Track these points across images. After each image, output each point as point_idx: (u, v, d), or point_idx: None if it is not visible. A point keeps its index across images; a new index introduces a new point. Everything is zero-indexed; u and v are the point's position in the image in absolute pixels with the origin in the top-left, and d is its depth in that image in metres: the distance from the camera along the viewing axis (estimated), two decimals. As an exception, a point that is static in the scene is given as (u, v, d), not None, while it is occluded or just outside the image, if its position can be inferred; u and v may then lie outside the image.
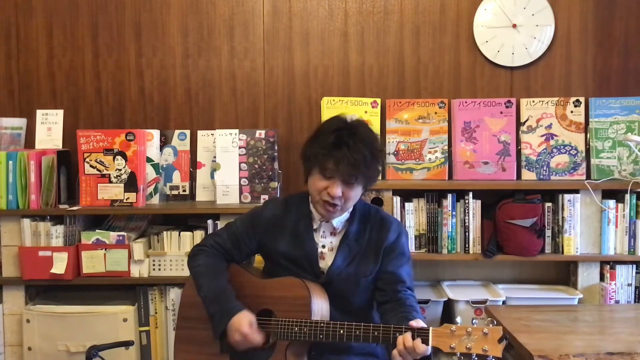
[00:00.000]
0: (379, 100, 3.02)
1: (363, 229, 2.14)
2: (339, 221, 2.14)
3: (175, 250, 2.84)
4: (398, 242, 2.14)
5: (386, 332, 1.88)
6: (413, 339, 1.80)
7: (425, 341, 1.79)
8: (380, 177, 2.16)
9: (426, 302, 2.76)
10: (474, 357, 1.74)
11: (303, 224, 2.16)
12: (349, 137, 1.99)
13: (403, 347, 1.81)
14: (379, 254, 2.12)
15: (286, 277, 2.10)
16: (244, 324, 2.00)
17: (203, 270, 2.16)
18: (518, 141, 2.99)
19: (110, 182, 2.85)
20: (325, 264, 2.15)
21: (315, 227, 2.16)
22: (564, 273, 2.98)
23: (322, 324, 1.98)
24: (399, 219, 2.81)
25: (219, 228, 2.73)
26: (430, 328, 1.81)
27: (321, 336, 1.97)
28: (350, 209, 2.15)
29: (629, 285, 2.81)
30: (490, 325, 1.76)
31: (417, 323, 1.85)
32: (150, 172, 2.94)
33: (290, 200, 2.22)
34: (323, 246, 2.16)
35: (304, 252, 2.14)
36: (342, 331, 1.94)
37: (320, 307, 2.05)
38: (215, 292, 2.10)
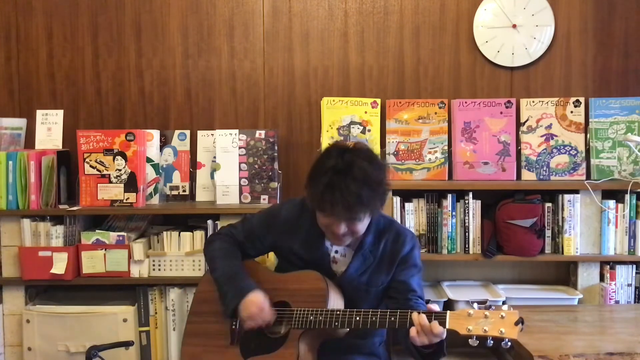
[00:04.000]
0: (379, 101, 3.02)
1: (378, 241, 2.14)
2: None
3: (175, 251, 2.84)
4: (412, 254, 2.15)
5: (403, 317, 1.90)
6: (430, 321, 1.82)
7: (442, 323, 1.81)
8: (387, 197, 2.05)
9: (426, 302, 2.75)
10: (489, 339, 1.75)
11: (316, 231, 2.12)
12: (342, 178, 1.90)
13: (419, 325, 1.83)
14: (393, 266, 2.14)
15: (303, 270, 2.12)
16: (260, 299, 2.04)
17: (218, 254, 2.21)
18: (518, 141, 2.99)
19: (110, 182, 2.85)
20: (338, 267, 2.16)
21: None
22: (564, 273, 2.98)
23: (337, 312, 1.99)
24: (399, 219, 2.81)
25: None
26: (448, 311, 1.83)
27: (336, 323, 1.97)
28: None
29: (629, 285, 2.81)
30: (508, 309, 1.77)
31: (434, 307, 1.88)
32: (150, 173, 2.94)
33: (307, 203, 2.19)
34: (336, 251, 2.17)
35: (315, 257, 2.15)
36: (358, 318, 1.95)
37: (336, 301, 2.06)
38: (229, 272, 2.14)
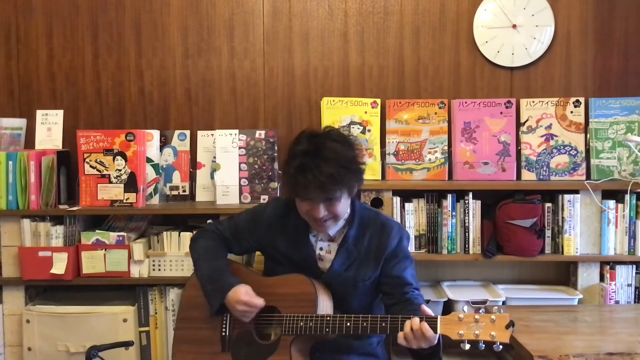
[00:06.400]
0: (378, 101, 3.02)
1: (362, 234, 2.13)
2: (335, 230, 2.13)
3: (175, 251, 2.84)
4: (400, 247, 2.14)
5: (394, 322, 1.89)
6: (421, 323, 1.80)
7: (433, 329, 1.79)
8: (363, 177, 2.09)
9: (426, 302, 2.75)
10: (481, 343, 1.75)
11: (301, 228, 2.15)
12: (312, 160, 1.93)
13: (410, 329, 1.81)
14: (380, 261, 2.12)
15: (291, 274, 2.11)
16: (242, 293, 2.02)
17: (202, 252, 2.20)
18: (518, 141, 2.99)
19: (110, 182, 2.85)
20: (324, 265, 2.15)
21: (313, 232, 2.16)
22: (563, 273, 2.98)
23: (327, 318, 1.98)
24: (399, 219, 2.81)
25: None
26: (439, 316, 1.82)
27: (327, 329, 1.96)
28: (347, 216, 2.13)
29: (629, 285, 2.81)
30: (498, 312, 1.76)
31: (427, 310, 1.86)
32: (150, 173, 2.93)
33: (292, 201, 2.19)
34: (321, 249, 2.16)
35: (301, 255, 2.15)
36: (348, 324, 1.94)
37: (325, 304, 2.05)
38: (211, 270, 2.13)
